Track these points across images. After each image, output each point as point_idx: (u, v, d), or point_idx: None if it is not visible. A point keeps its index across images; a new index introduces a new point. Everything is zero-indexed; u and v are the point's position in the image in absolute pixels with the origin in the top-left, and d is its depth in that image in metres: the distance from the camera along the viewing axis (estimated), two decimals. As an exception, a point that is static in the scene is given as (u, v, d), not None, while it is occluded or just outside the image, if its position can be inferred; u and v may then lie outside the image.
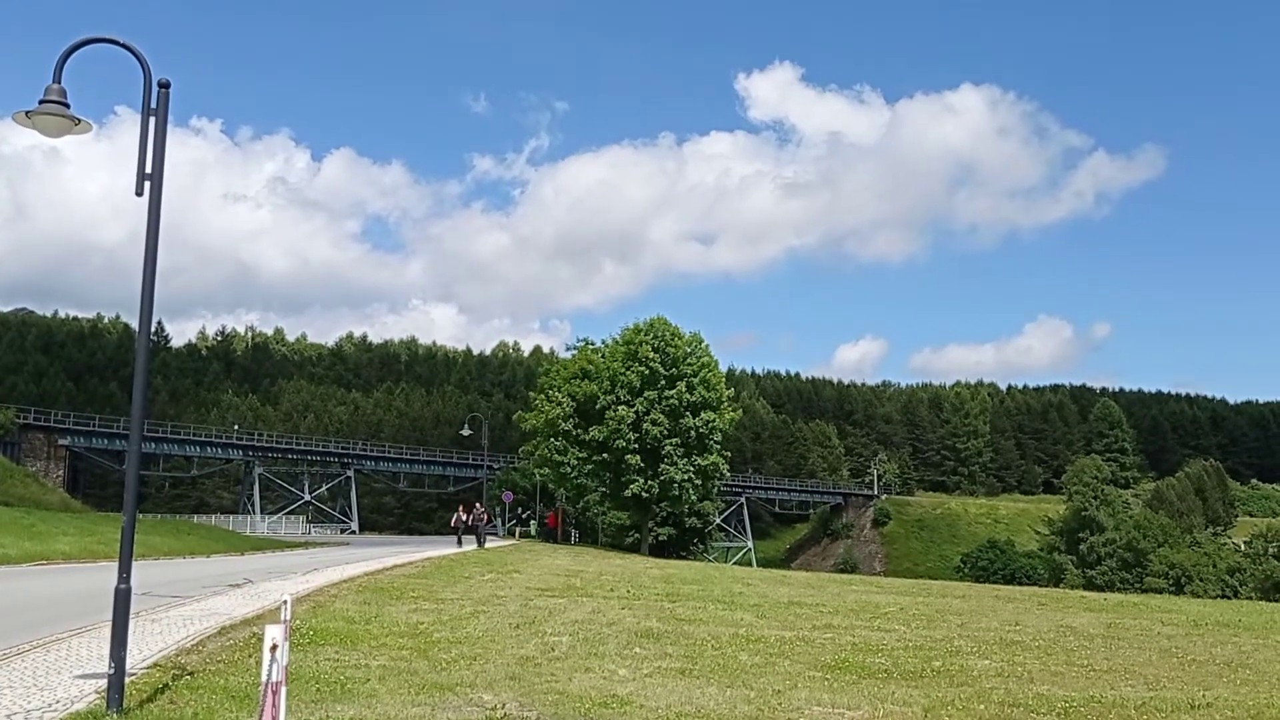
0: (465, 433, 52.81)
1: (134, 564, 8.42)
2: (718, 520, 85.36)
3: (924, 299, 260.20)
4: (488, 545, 42.43)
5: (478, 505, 46.06)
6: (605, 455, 53.97)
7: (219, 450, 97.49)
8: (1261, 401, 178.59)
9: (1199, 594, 61.12)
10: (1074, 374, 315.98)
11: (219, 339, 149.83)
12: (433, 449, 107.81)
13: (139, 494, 8.85)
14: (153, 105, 8.33)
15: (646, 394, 53.49)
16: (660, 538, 61.64)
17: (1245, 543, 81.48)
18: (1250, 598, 58.50)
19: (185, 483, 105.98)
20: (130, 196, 8.27)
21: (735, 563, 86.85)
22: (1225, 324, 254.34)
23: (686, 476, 53.94)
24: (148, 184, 8.29)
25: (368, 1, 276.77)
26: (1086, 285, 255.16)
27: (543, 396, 56.80)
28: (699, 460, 54.41)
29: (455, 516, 45.24)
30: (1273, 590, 63.53)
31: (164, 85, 8.34)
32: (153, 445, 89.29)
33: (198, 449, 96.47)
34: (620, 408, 52.88)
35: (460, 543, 42.53)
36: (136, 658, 10.10)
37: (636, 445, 52.91)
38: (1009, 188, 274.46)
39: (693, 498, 57.04)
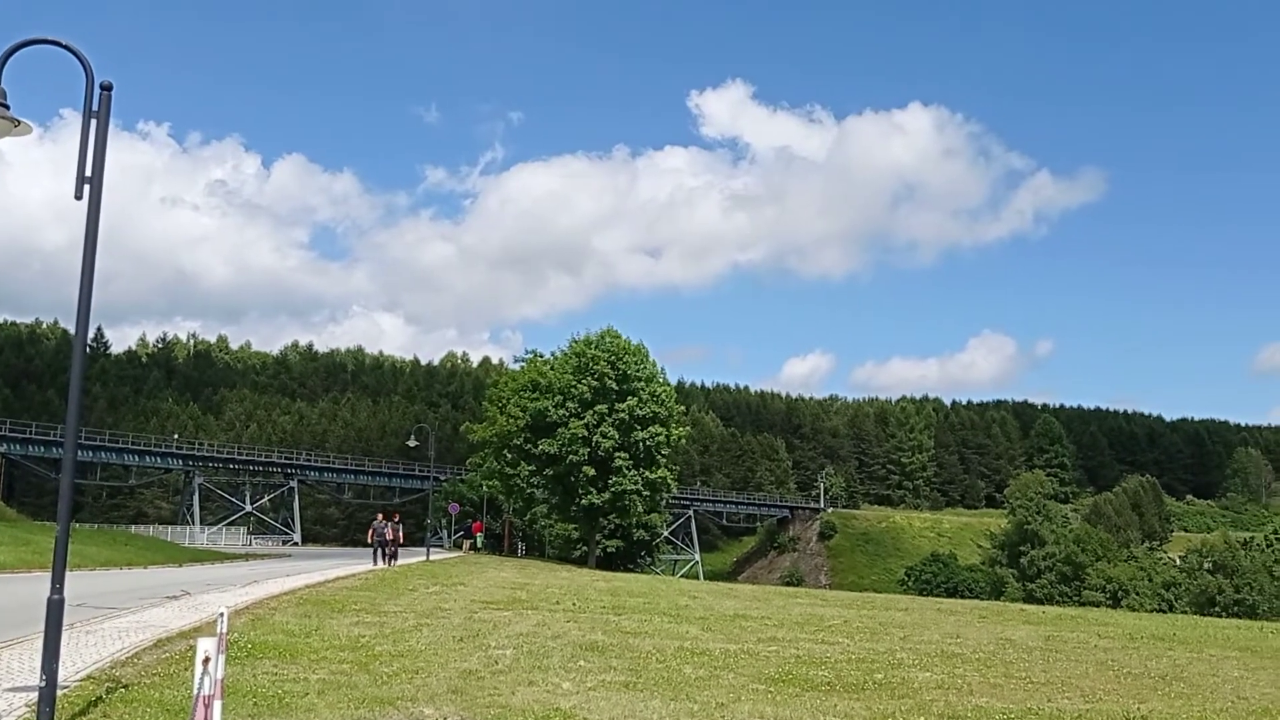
0: (412, 444, 52.05)
1: (68, 575, 8.23)
2: (665, 533, 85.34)
3: (868, 314, 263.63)
4: (396, 564, 36.05)
5: (379, 516, 39.86)
6: (557, 468, 53.66)
7: (158, 459, 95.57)
8: (1196, 419, 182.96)
9: (1135, 608, 62.08)
10: (1016, 389, 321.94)
11: (159, 346, 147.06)
12: (378, 460, 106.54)
13: (74, 503, 8.64)
14: (94, 108, 8.17)
15: (597, 407, 53.29)
16: (608, 550, 61.46)
17: (1180, 558, 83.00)
18: (1185, 612, 59.55)
19: (123, 492, 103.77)
20: (72, 201, 8.10)
21: (682, 576, 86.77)
22: (1161, 343, 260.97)
23: (635, 487, 53.82)
24: (87, 188, 8.13)
25: (323, 9, 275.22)
26: (1029, 303, 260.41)
27: (495, 409, 56.42)
28: (647, 474, 54.32)
29: (372, 529, 38.76)
30: (1207, 605, 64.67)
31: (106, 88, 8.19)
32: (89, 454, 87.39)
33: (136, 458, 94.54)
34: (573, 421, 52.61)
35: (376, 559, 36.48)
36: (69, 670, 9.88)
37: (588, 457, 52.71)
38: (953, 207, 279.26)
39: (640, 510, 56.96)
